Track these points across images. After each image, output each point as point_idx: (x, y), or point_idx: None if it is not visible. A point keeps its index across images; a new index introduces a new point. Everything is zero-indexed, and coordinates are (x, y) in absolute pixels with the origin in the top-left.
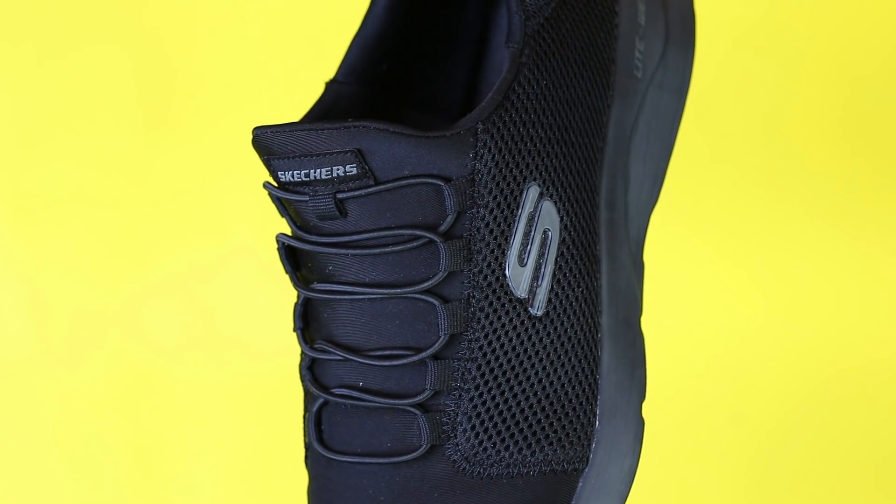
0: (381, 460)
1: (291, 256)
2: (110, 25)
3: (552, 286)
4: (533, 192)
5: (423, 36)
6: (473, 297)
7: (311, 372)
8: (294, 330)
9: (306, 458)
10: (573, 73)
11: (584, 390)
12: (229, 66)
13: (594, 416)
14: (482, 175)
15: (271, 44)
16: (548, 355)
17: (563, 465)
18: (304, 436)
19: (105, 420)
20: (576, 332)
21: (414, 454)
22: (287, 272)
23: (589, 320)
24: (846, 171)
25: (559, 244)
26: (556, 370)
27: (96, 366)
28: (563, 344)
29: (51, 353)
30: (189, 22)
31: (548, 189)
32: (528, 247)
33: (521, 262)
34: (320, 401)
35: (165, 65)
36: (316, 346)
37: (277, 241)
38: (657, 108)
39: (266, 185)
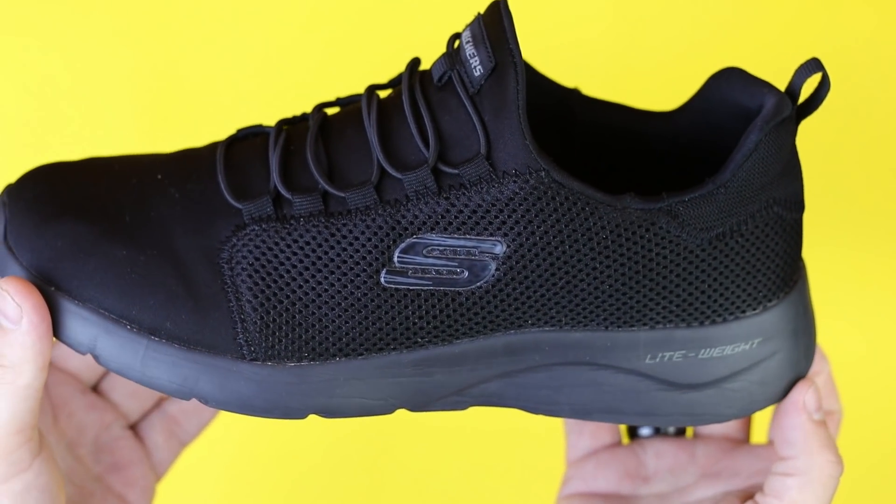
0: (225, 186)
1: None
2: (110, 26)
3: (407, 289)
4: (498, 247)
5: None
6: (379, 214)
7: (288, 122)
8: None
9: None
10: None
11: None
12: (229, 68)
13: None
14: (504, 193)
15: (271, 46)
16: (344, 300)
17: (241, 349)
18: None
19: None
20: (367, 329)
21: (237, 202)
22: (393, 81)
23: (383, 328)
24: (844, 172)
25: (441, 292)
26: (333, 309)
27: None
28: (354, 318)
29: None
30: (188, 24)
31: (504, 264)
32: (443, 257)
33: (428, 254)
34: (269, 130)
35: (165, 67)
36: (317, 117)
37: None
38: (605, 391)
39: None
